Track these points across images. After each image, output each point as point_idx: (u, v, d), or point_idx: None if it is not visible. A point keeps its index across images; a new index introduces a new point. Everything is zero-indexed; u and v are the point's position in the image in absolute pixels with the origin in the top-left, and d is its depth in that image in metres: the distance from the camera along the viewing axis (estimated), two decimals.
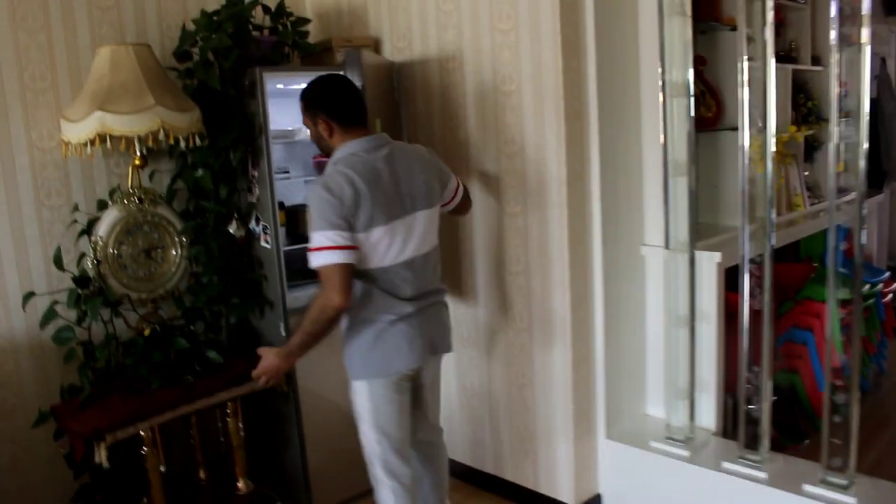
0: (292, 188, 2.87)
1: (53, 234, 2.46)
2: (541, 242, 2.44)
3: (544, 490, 2.63)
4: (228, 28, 2.41)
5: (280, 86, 2.61)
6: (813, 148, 3.46)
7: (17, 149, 2.37)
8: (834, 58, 1.96)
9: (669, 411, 2.50)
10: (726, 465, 2.30)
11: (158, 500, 2.32)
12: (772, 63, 2.10)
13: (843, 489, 2.09)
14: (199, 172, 2.50)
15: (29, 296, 2.30)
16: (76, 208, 2.45)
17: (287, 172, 2.86)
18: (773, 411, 2.30)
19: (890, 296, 3.71)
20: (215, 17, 2.47)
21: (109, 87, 2.21)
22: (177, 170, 2.59)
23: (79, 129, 2.19)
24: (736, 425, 2.47)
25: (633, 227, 2.58)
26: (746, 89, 2.14)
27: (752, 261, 2.25)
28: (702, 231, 2.47)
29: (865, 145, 1.93)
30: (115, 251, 2.38)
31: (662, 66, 2.28)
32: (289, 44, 2.60)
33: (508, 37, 2.38)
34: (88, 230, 2.39)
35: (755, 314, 2.26)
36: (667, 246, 2.42)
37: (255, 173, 2.52)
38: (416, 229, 2.00)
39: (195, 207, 2.60)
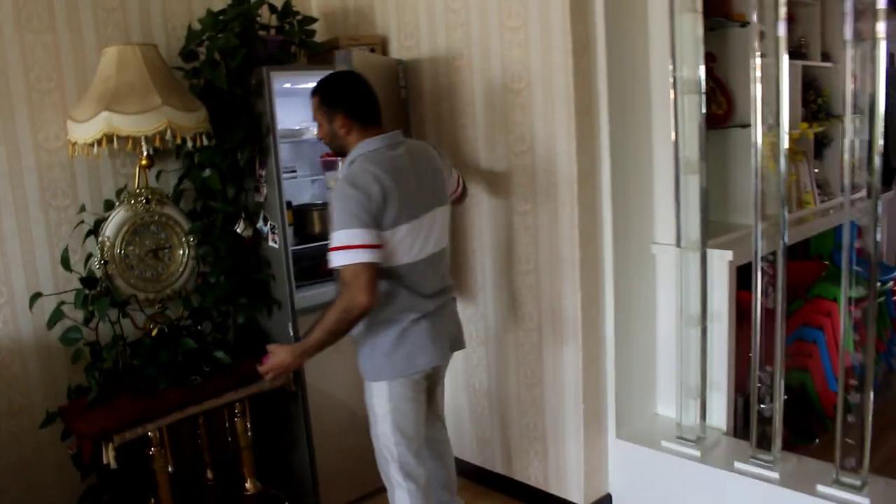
0: (300, 187, 2.86)
1: (60, 235, 2.45)
2: (551, 241, 2.43)
3: (554, 490, 2.61)
4: (235, 27, 2.40)
5: (287, 85, 2.60)
6: (823, 145, 3.43)
7: (24, 150, 2.36)
8: (848, 53, 1.93)
9: (680, 411, 2.48)
10: (738, 465, 2.28)
11: (166, 501, 2.31)
12: (785, 59, 2.08)
13: (856, 489, 2.07)
14: (207, 172, 2.48)
15: (36, 296, 2.29)
16: (83, 209, 2.44)
17: (294, 172, 2.85)
18: (783, 411, 2.28)
19: None
20: (221, 17, 2.46)
21: (116, 88, 2.20)
22: (184, 170, 2.58)
23: (85, 130, 2.18)
24: (747, 425, 2.45)
25: (643, 226, 2.56)
26: (759, 86, 2.12)
27: (763, 259, 2.22)
28: (712, 229, 2.45)
29: (881, 142, 1.91)
30: (123, 251, 2.38)
31: (673, 63, 2.26)
32: (295, 43, 2.59)
33: (518, 34, 2.36)
34: (95, 231, 2.38)
35: (767, 313, 2.24)
36: (678, 244, 2.40)
37: (263, 173, 2.51)
38: (435, 225, 2.01)
39: (202, 207, 2.60)
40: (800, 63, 3.10)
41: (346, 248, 1.81)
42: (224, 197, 2.53)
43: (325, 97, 1.97)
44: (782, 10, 2.06)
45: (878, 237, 2.01)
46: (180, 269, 2.52)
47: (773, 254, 2.22)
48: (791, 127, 2.67)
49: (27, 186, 2.38)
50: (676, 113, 2.30)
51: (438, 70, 2.65)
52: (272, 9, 2.58)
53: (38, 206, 2.41)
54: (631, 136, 2.45)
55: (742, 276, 2.50)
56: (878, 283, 3.43)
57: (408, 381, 1.99)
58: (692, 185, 2.34)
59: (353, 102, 1.95)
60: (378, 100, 2.01)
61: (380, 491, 2.65)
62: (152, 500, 2.41)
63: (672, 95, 2.29)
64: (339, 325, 1.85)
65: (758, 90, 2.13)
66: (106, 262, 2.33)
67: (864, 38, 1.94)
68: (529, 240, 2.49)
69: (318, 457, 2.63)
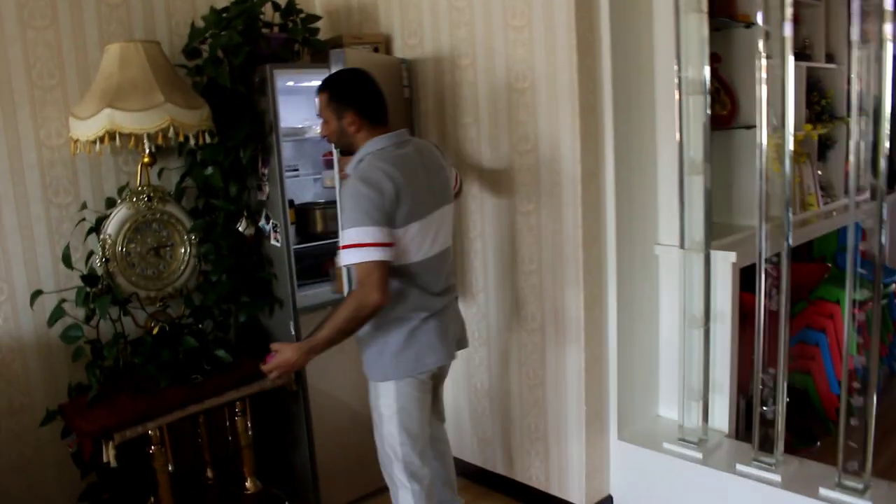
0: (302, 186, 2.85)
1: (62, 233, 2.44)
2: (554, 241, 2.42)
3: (555, 491, 2.61)
4: (238, 25, 2.39)
5: (290, 83, 2.59)
6: (826, 147, 3.42)
7: (26, 146, 2.35)
8: (854, 55, 1.93)
9: (682, 412, 2.47)
10: (740, 467, 2.28)
11: (166, 500, 2.30)
12: (790, 60, 2.07)
13: (859, 493, 2.06)
14: (209, 170, 2.48)
15: (37, 294, 2.28)
16: (84, 206, 2.43)
17: (297, 170, 2.84)
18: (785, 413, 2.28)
19: None
20: (225, 14, 2.45)
21: (119, 85, 2.19)
22: (186, 167, 2.58)
23: (88, 127, 2.17)
24: (748, 427, 2.45)
25: (646, 226, 2.55)
26: (764, 87, 2.11)
27: (767, 260, 2.22)
28: (715, 230, 2.44)
29: (886, 144, 1.90)
30: (124, 249, 2.37)
31: (679, 63, 2.25)
32: (299, 41, 2.58)
33: (522, 33, 2.35)
34: (97, 228, 2.37)
35: (770, 315, 2.23)
36: (682, 245, 2.39)
37: (266, 171, 2.50)
38: (443, 223, 2.02)
39: (204, 205, 2.59)
40: (804, 64, 3.08)
41: (359, 246, 1.80)
42: (226, 195, 2.52)
43: (334, 94, 1.95)
44: (788, 11, 2.05)
45: (883, 240, 2.00)
46: (182, 268, 2.51)
47: (777, 255, 2.21)
48: (795, 128, 2.67)
49: (28, 183, 2.37)
50: (681, 113, 2.29)
51: (442, 69, 2.65)
52: (275, 6, 2.58)
53: (40, 204, 2.40)
54: (635, 136, 2.44)
55: (745, 278, 2.49)
56: (882, 286, 3.43)
57: (415, 380, 1.98)
58: (696, 186, 2.34)
59: (363, 100, 1.94)
60: (385, 98, 2.01)
61: (381, 491, 2.66)
62: (152, 499, 2.40)
63: (677, 96, 2.28)
64: (349, 322, 1.84)
65: (763, 91, 2.12)
66: (107, 260, 2.33)
67: (871, 39, 1.93)
68: (533, 240, 2.48)
69: (318, 456, 2.62)
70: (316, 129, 2.57)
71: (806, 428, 2.99)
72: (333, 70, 2.35)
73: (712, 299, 2.43)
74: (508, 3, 2.36)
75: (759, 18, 2.11)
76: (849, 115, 3.29)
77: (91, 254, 2.39)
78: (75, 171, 2.47)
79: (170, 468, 2.41)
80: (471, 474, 2.88)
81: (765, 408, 2.27)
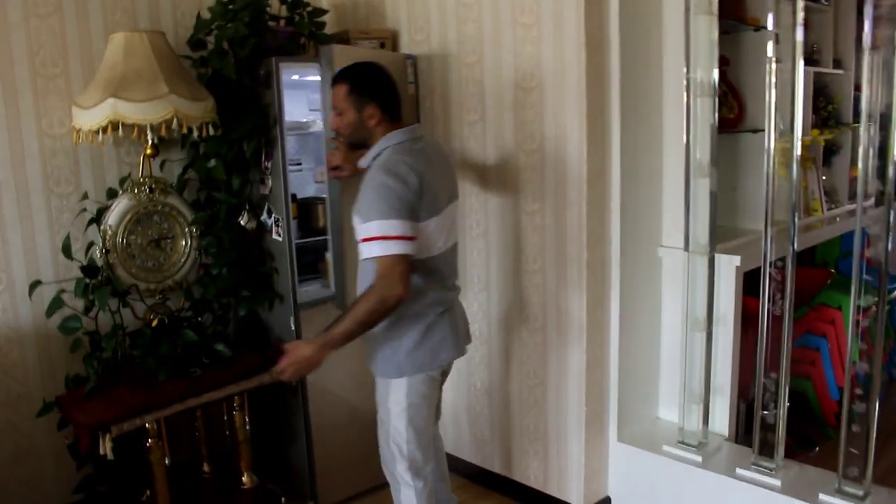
0: (305, 181, 2.82)
1: (62, 223, 2.43)
2: (558, 241, 2.41)
3: (553, 492, 2.60)
4: (244, 17, 2.37)
5: (295, 77, 2.56)
6: (831, 152, 3.42)
7: (27, 135, 2.34)
8: (866, 60, 1.91)
9: (682, 415, 2.46)
10: (740, 471, 2.27)
11: (162, 493, 2.29)
12: (800, 65, 2.06)
13: (859, 499, 2.06)
14: (212, 162, 2.46)
15: (36, 284, 2.26)
16: (85, 196, 2.41)
17: (300, 164, 2.82)
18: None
19: None
20: (231, 6, 2.42)
21: (123, 75, 2.17)
22: (189, 160, 2.56)
23: (91, 116, 2.15)
24: (748, 431, 2.44)
25: (651, 228, 2.54)
26: (773, 91, 2.10)
27: (772, 265, 2.21)
28: (719, 234, 2.43)
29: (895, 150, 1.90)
30: (125, 241, 2.35)
31: (688, 65, 2.24)
32: (305, 35, 2.56)
33: (531, 31, 2.34)
34: (98, 219, 2.36)
35: (773, 319, 2.22)
36: (686, 248, 2.38)
37: (269, 165, 2.48)
38: (453, 218, 2.04)
39: (206, 198, 2.57)
40: (812, 69, 3.08)
41: (383, 239, 1.77)
42: (228, 188, 2.50)
43: (356, 86, 1.92)
44: (800, 16, 2.04)
45: (889, 246, 1.99)
46: (182, 260, 2.50)
47: (782, 260, 2.20)
48: (803, 133, 2.65)
49: (29, 173, 2.35)
50: (689, 115, 2.28)
51: (449, 65, 2.63)
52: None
53: (41, 193, 2.38)
54: (642, 137, 2.43)
55: (748, 282, 2.49)
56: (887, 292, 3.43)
57: (426, 377, 1.98)
58: (702, 189, 2.33)
59: (384, 93, 1.93)
60: (400, 93, 2.01)
61: (379, 488, 2.65)
62: (148, 492, 2.39)
63: (686, 98, 2.27)
64: (371, 316, 1.80)
65: (772, 95, 2.11)
66: (107, 251, 2.31)
67: (881, 45, 1.92)
68: (537, 239, 2.47)
69: (316, 452, 2.61)
70: (320, 123, 2.55)
71: (804, 433, 2.99)
72: (324, 66, 2.34)
73: (715, 302, 2.41)
74: (517, 0, 2.35)
75: (770, 22, 2.09)
76: (856, 121, 3.31)
77: (91, 245, 2.37)
78: (77, 161, 2.45)
79: (166, 461, 2.39)
80: (468, 473, 2.87)
81: (765, 412, 2.27)
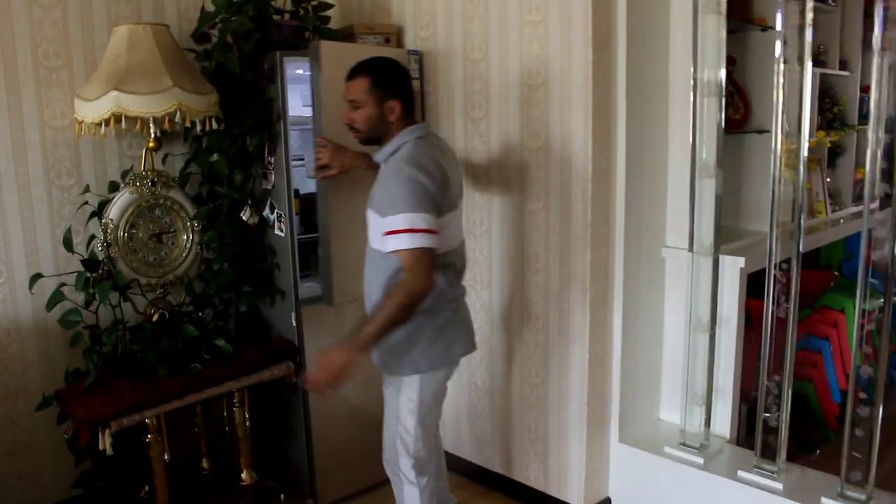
0: (307, 176, 2.81)
1: (63, 215, 2.41)
2: (562, 240, 2.39)
3: (553, 492, 2.59)
4: (249, 10, 2.35)
5: (299, 71, 2.54)
6: (836, 154, 3.41)
7: (29, 126, 2.32)
8: (875, 62, 1.90)
9: (684, 417, 2.45)
10: (742, 473, 2.26)
11: (161, 489, 2.28)
12: (809, 66, 2.05)
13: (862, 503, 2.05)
14: (215, 157, 2.44)
15: (36, 277, 2.25)
16: (87, 189, 2.40)
17: (302, 160, 2.80)
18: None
19: None
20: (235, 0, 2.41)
21: (126, 67, 2.15)
22: (191, 153, 2.55)
23: (93, 109, 2.13)
24: (749, 433, 2.43)
25: (655, 228, 2.53)
26: (781, 92, 2.09)
27: (777, 267, 2.20)
28: (723, 235, 2.42)
29: None
30: (126, 234, 2.34)
31: (695, 65, 2.22)
32: (310, 29, 2.54)
33: (537, 28, 2.32)
34: (99, 212, 2.34)
35: (777, 322, 2.21)
36: (690, 249, 2.36)
37: (272, 160, 2.46)
38: (461, 215, 2.07)
39: (208, 192, 2.56)
40: (818, 71, 3.06)
41: (410, 232, 1.76)
42: (231, 182, 2.49)
43: (380, 80, 1.90)
44: (809, 16, 2.02)
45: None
46: (184, 255, 2.48)
47: (787, 262, 2.19)
48: (809, 135, 2.64)
49: (31, 164, 2.34)
50: (695, 115, 2.27)
51: (454, 62, 2.61)
52: None
53: (42, 185, 2.37)
54: (647, 136, 2.42)
55: (751, 284, 2.47)
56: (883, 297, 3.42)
57: (438, 373, 1.98)
58: (707, 190, 2.31)
59: (406, 88, 1.94)
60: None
61: (378, 486, 2.64)
62: (147, 488, 2.38)
63: (692, 98, 2.26)
64: (402, 311, 1.77)
65: (779, 96, 2.09)
66: (109, 245, 2.30)
67: (887, 47, 1.91)
68: (540, 238, 2.46)
69: (316, 449, 2.59)
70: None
71: (805, 436, 2.98)
72: (311, 62, 2.31)
73: (719, 304, 2.40)
74: None
75: (779, 22, 2.08)
76: (861, 122, 3.30)
77: (92, 238, 2.36)
78: (79, 154, 2.43)
79: (166, 457, 2.38)
80: (469, 473, 2.86)
81: (767, 414, 2.26)
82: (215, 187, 2.52)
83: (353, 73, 1.93)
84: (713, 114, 2.26)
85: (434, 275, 1.81)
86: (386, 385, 2.04)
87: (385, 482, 2.14)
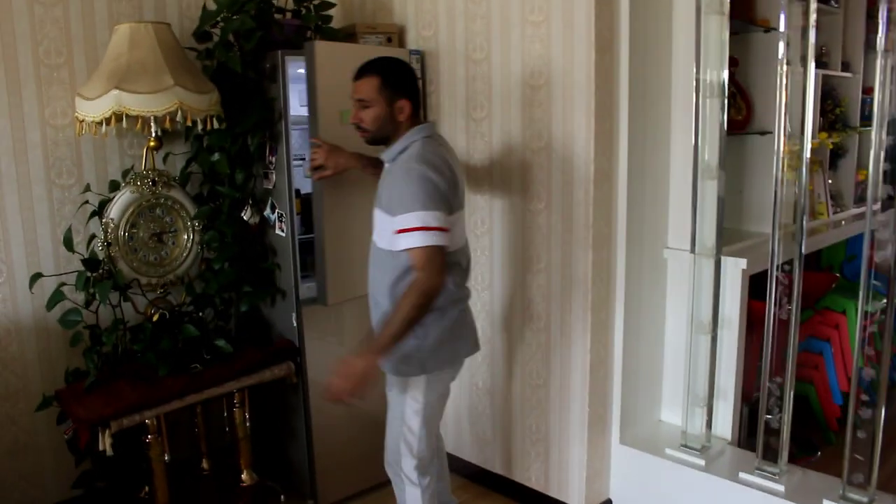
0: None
1: (63, 215, 2.40)
2: (564, 241, 2.39)
3: (554, 493, 2.58)
4: (251, 9, 2.35)
5: (301, 71, 2.54)
6: (837, 156, 3.40)
7: (29, 125, 2.31)
8: (879, 63, 1.90)
9: (686, 418, 2.45)
10: (743, 475, 2.26)
11: (161, 490, 2.27)
12: (812, 67, 2.05)
13: None
14: (216, 156, 2.44)
15: (36, 277, 2.24)
16: (88, 188, 2.39)
17: (304, 159, 2.79)
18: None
19: None
20: None
21: (127, 66, 2.15)
22: (192, 153, 2.54)
23: (94, 107, 2.13)
24: (751, 435, 2.43)
25: (656, 229, 2.52)
26: (783, 93, 2.09)
27: (779, 268, 2.19)
28: (725, 236, 2.42)
29: None
30: (127, 234, 2.33)
31: (698, 66, 2.22)
32: (311, 28, 2.54)
33: (540, 28, 2.31)
34: (100, 211, 2.34)
35: (779, 323, 2.21)
36: (692, 250, 2.36)
37: (273, 159, 2.46)
38: (465, 214, 2.06)
39: (209, 192, 2.55)
40: (821, 72, 3.06)
41: (423, 230, 1.76)
42: (232, 182, 2.48)
43: (390, 79, 1.89)
44: (812, 17, 2.02)
45: None
46: (184, 254, 2.48)
47: (789, 263, 2.18)
48: (811, 136, 2.64)
49: (31, 163, 2.33)
50: (698, 116, 2.26)
51: (456, 62, 2.61)
52: None
53: (42, 184, 2.36)
54: (650, 137, 2.41)
55: (753, 285, 2.47)
56: (884, 298, 3.42)
57: (444, 374, 1.98)
58: (709, 191, 2.31)
59: (415, 88, 1.94)
60: None
61: (379, 487, 2.64)
62: (147, 489, 2.37)
63: (695, 98, 2.25)
64: (418, 311, 1.77)
65: (782, 98, 2.09)
66: (109, 244, 2.29)
67: (889, 49, 1.90)
68: (542, 239, 2.45)
69: (316, 450, 2.58)
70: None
71: (806, 437, 2.97)
72: (306, 62, 2.29)
73: (720, 305, 2.40)
74: None
75: (782, 23, 2.07)
76: (863, 124, 3.30)
77: (93, 237, 2.35)
78: (79, 153, 2.42)
79: (166, 458, 2.38)
80: (469, 473, 2.85)
81: (769, 416, 2.25)
82: (216, 187, 2.51)
83: (362, 72, 1.91)
84: (715, 115, 2.26)
85: (445, 273, 1.81)
86: (389, 387, 2.03)
87: (386, 483, 2.14)
